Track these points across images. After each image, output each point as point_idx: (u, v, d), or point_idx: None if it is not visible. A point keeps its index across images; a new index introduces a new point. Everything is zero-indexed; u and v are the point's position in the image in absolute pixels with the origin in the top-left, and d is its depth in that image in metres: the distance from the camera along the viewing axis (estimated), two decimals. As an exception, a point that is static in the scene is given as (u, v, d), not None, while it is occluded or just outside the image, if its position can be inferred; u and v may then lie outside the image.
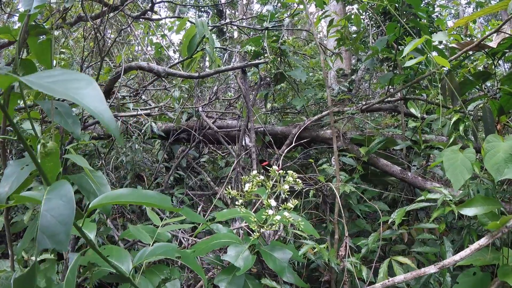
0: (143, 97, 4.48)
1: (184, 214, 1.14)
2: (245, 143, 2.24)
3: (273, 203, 1.00)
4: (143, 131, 2.76)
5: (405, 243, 2.44)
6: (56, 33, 5.05)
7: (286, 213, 0.98)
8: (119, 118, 2.49)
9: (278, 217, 0.97)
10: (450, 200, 1.63)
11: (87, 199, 1.27)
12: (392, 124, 3.52)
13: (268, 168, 1.26)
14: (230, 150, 2.48)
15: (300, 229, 1.02)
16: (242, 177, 1.07)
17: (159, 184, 3.71)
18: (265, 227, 0.98)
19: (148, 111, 2.23)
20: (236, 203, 1.04)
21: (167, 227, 1.26)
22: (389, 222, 1.81)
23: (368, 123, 3.12)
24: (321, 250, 1.40)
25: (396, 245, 2.56)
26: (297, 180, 1.08)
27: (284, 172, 1.12)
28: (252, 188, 1.04)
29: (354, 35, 4.26)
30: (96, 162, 4.12)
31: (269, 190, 1.04)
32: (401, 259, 1.63)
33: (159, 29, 6.53)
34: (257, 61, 2.21)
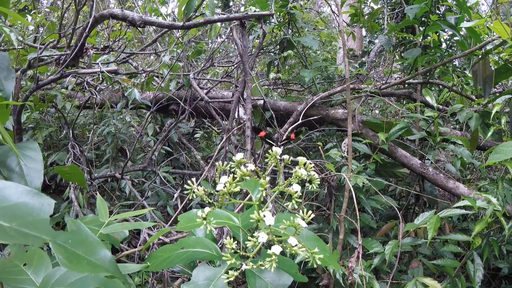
0: (134, 63, 4.08)
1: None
2: (238, 115, 1.85)
3: (268, 218, 0.60)
4: (126, 95, 2.37)
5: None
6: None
7: (292, 240, 0.59)
8: (78, 75, 2.09)
9: (277, 249, 0.58)
10: (498, 211, 1.28)
11: (7, 180, 0.91)
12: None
13: (268, 141, 0.85)
14: (221, 122, 2.10)
15: (316, 263, 0.63)
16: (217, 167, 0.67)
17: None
18: (249, 262, 0.60)
19: (115, 67, 1.84)
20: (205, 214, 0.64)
21: (123, 225, 0.90)
22: (411, 230, 1.46)
23: (388, 105, 2.76)
24: (328, 261, 1.01)
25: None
26: (313, 173, 0.65)
27: (290, 159, 0.67)
28: (230, 186, 0.64)
29: (367, 16, 3.87)
30: (87, 133, 3.73)
31: (264, 191, 0.63)
32: (429, 282, 1.28)
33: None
34: (259, 12, 1.82)
